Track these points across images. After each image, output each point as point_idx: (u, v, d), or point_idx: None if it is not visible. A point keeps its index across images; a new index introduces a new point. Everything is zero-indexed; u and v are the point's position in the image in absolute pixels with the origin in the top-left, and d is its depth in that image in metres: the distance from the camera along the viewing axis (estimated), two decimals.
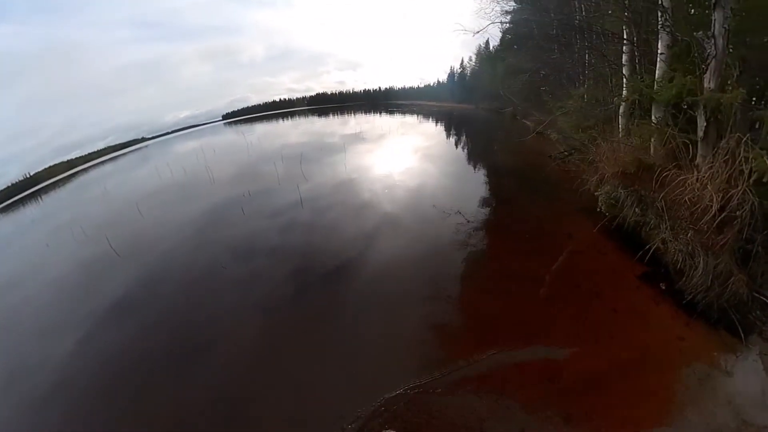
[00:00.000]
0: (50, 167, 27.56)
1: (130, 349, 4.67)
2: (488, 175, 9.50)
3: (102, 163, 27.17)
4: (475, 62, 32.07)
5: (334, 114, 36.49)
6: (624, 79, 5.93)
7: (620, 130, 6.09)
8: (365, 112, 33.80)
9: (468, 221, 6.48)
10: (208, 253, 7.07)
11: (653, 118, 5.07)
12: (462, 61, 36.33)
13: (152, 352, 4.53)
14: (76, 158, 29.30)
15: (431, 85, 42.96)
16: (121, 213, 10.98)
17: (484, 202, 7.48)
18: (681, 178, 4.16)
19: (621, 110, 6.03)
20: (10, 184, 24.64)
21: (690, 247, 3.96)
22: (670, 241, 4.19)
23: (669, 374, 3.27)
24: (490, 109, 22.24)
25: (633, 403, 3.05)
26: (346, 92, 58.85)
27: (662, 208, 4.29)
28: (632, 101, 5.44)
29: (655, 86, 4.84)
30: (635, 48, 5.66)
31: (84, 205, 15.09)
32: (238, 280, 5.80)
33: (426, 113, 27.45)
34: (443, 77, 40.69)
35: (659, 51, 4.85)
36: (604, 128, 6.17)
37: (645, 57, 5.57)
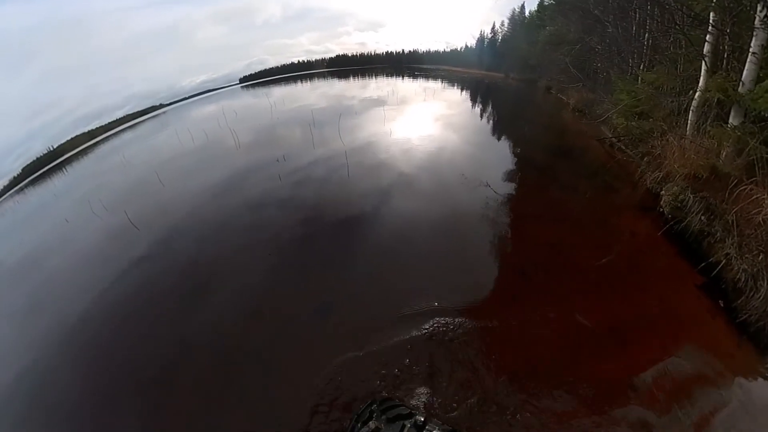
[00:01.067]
0: (72, 139, 27.73)
1: (144, 291, 5.57)
2: (522, 151, 8.93)
3: (122, 131, 26.99)
4: (507, 27, 29.82)
5: (354, 77, 35.24)
6: (703, 71, 5.31)
7: (689, 127, 5.63)
8: (387, 76, 32.51)
9: (509, 208, 6.20)
10: (226, 212, 7.53)
11: (730, 122, 4.71)
12: (493, 25, 33.68)
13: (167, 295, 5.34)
14: (97, 128, 29.18)
15: (458, 50, 40.52)
16: (141, 182, 11.11)
17: (520, 178, 7.16)
18: (757, 196, 3.94)
19: (694, 105, 5.50)
20: (35, 158, 24.85)
21: (755, 269, 3.81)
22: (735, 258, 4.05)
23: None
24: (521, 79, 21.01)
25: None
26: (367, 54, 56.33)
27: (733, 223, 4.10)
28: (709, 99, 5.00)
29: (741, 87, 4.44)
30: (723, 38, 5.04)
31: (105, 175, 15.02)
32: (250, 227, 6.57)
33: (451, 80, 26.24)
34: (471, 42, 38.23)
35: (752, 50, 4.35)
36: (673, 121, 5.74)
37: (733, 52, 4.97)
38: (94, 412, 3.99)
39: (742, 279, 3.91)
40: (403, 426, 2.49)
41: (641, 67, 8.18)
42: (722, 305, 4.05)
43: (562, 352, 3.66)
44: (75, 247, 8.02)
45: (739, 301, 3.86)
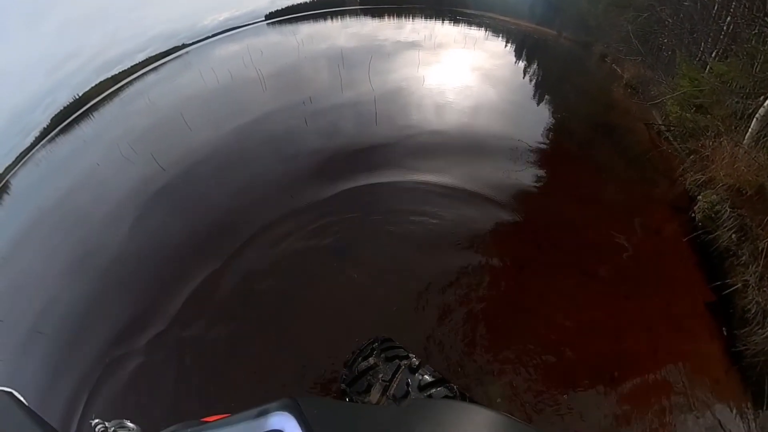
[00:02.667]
0: (96, 86, 27.17)
1: (170, 231, 6.04)
2: (561, 120, 8.31)
3: (145, 74, 26.38)
4: None
5: (389, 16, 32.61)
6: None
7: (749, 135, 5.11)
8: (425, 18, 29.88)
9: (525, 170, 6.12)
10: (251, 153, 7.81)
11: None
12: None
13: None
14: (120, 73, 28.13)
15: None
16: (167, 123, 11.23)
17: (553, 149, 6.85)
18: None
19: (761, 113, 4.94)
20: (62, 108, 24.60)
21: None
22: (753, 287, 3.88)
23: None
24: (575, 40, 18.81)
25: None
26: None
27: (762, 252, 3.86)
28: None
29: None
30: None
31: (131, 119, 15.08)
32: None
33: (496, 29, 23.87)
34: None
35: None
36: (732, 124, 5.18)
37: None
38: None
39: (753, 310, 3.82)
40: (399, 366, 2.64)
41: (713, 55, 7.19)
42: (724, 329, 4.00)
43: (556, 330, 3.89)
44: (106, 189, 8.58)
45: (741, 331, 3.81)
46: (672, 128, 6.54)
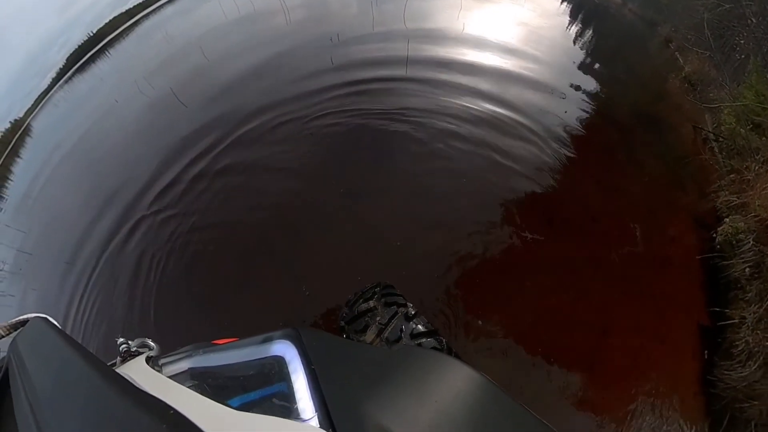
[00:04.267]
0: (111, 21, 25.22)
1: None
2: (605, 100, 7.66)
3: (161, 6, 24.13)
4: None
5: None
6: None
7: None
8: None
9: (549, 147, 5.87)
10: (272, 89, 7.66)
11: None
12: None
13: None
14: (134, 6, 25.77)
15: None
16: (185, 58, 10.90)
17: (589, 130, 6.39)
18: None
19: None
20: (77, 47, 23.14)
21: (755, 349, 3.65)
22: (748, 326, 3.81)
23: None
24: (640, 15, 16.74)
25: None
26: None
27: None
28: None
29: None
30: None
31: (148, 54, 14.59)
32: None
33: None
34: None
35: None
36: None
37: None
38: None
39: (740, 348, 3.77)
40: (396, 312, 2.80)
41: None
42: (706, 353, 4.00)
43: (549, 308, 4.09)
44: (125, 125, 8.78)
45: (722, 363, 3.80)
46: (721, 140, 5.98)
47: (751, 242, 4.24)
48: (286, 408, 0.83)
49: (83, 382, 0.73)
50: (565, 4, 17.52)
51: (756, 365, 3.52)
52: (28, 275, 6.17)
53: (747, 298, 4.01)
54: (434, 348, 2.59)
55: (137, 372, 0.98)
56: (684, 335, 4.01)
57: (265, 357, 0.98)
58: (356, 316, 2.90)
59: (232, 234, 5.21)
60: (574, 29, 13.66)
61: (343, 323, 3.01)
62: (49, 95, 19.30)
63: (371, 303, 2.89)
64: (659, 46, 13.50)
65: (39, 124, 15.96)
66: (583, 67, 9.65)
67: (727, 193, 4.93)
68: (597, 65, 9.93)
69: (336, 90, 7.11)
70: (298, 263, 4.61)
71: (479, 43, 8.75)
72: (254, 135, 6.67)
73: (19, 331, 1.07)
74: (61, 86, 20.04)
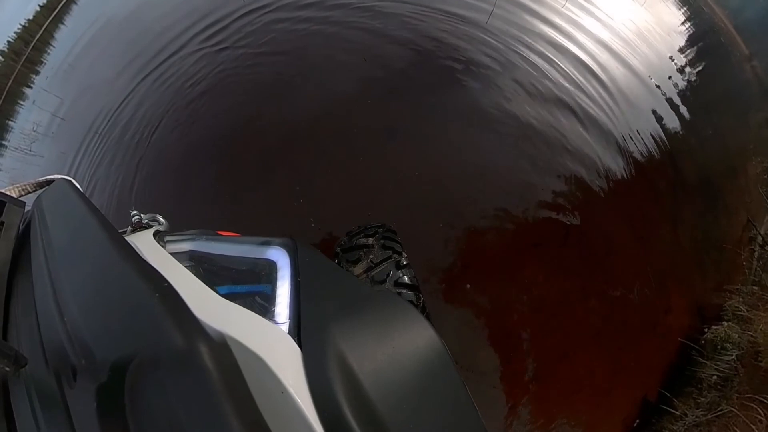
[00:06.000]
0: None
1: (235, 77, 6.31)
2: (674, 141, 6.83)
3: None
4: None
5: None
6: None
7: None
8: None
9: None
10: None
11: None
12: None
13: None
14: None
15: None
16: None
17: (636, 159, 5.84)
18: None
19: None
20: None
21: None
22: (683, 424, 3.89)
23: None
24: (760, 78, 14.85)
25: None
26: None
27: (715, 414, 3.65)
28: None
29: None
30: None
31: None
32: None
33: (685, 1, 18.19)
34: None
35: None
36: None
37: None
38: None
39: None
40: (390, 257, 2.82)
41: None
42: (635, 425, 4.03)
43: (533, 308, 4.22)
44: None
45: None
46: (766, 248, 5.57)
47: (734, 357, 4.15)
48: (265, 308, 0.93)
49: (95, 242, 0.84)
50: (687, 25, 15.20)
51: None
52: (59, 139, 6.32)
53: (699, 401, 4.03)
54: (411, 302, 2.59)
55: (143, 243, 1.09)
56: (626, 398, 4.04)
57: (260, 258, 1.07)
58: (352, 248, 2.96)
59: (262, 128, 5.23)
60: (682, 56, 11.99)
61: (338, 249, 3.08)
62: None
63: (370, 240, 2.92)
64: (761, 122, 12.94)
65: None
66: (672, 100, 8.50)
67: (740, 300, 4.71)
68: (687, 106, 8.47)
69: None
70: (316, 180, 4.64)
71: (572, 21, 7.59)
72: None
73: (44, 189, 1.19)
74: None
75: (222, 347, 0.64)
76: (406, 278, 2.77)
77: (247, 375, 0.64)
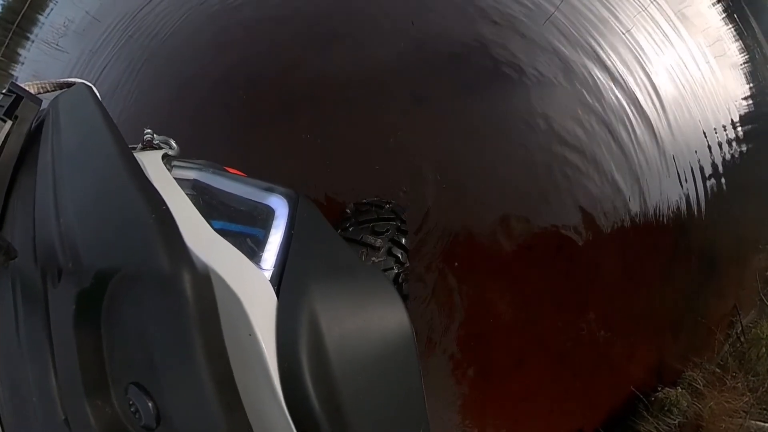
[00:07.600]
0: None
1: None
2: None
3: None
4: None
5: None
6: None
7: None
8: None
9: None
10: None
11: None
12: None
13: None
14: None
15: None
16: None
17: (655, 217, 5.66)
18: None
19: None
20: None
21: None
22: None
23: None
24: None
25: None
26: None
27: None
28: None
29: None
30: None
31: None
32: None
33: (749, 48, 17.36)
34: None
35: None
36: None
37: None
38: None
39: None
40: (392, 266, 2.75)
41: None
42: None
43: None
44: None
45: None
46: (741, 337, 5.61)
47: (677, 422, 4.30)
48: (254, 251, 0.94)
49: (104, 152, 0.85)
50: (749, 102, 14.56)
51: None
52: (89, 38, 5.92)
53: None
54: (394, 281, 2.69)
55: (150, 162, 1.10)
56: (564, 423, 4.23)
57: (260, 202, 1.08)
58: (356, 242, 2.79)
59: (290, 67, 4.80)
60: (732, 130, 11.45)
61: (339, 231, 2.96)
62: None
63: (379, 241, 2.74)
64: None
65: None
66: (707, 167, 8.27)
67: (700, 374, 4.81)
68: (722, 178, 8.49)
69: None
70: (336, 132, 4.37)
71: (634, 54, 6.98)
72: None
73: (63, 90, 1.19)
74: None
75: (205, 279, 0.65)
76: (399, 255, 2.75)
77: (222, 310, 0.64)
